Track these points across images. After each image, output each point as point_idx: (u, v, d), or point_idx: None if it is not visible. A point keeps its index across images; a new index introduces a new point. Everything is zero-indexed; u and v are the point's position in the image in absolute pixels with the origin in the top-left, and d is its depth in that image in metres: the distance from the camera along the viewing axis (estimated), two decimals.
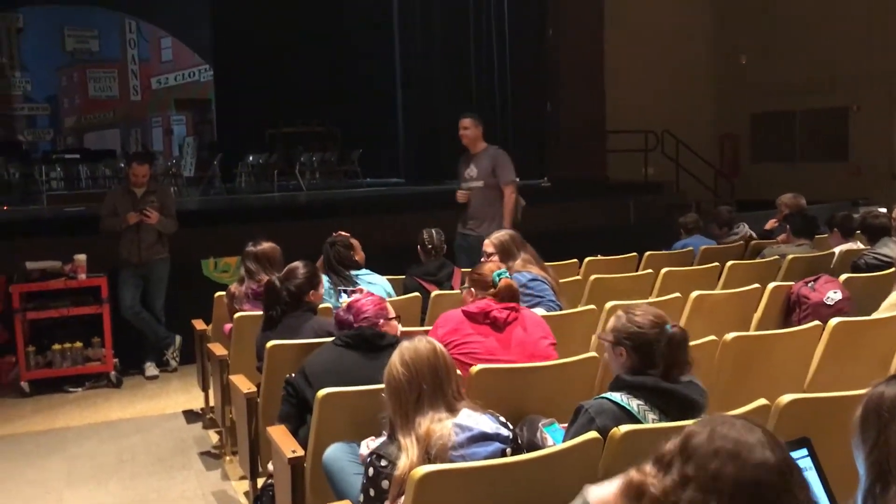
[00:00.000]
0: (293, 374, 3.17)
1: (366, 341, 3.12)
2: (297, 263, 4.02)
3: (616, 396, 2.44)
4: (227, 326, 4.54)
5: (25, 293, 6.04)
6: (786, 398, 2.47)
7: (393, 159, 14.95)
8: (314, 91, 14.89)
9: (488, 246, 4.55)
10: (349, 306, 3.32)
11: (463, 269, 5.33)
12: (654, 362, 2.44)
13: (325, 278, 4.48)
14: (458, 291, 4.80)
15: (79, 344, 6.15)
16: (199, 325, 5.34)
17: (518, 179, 6.47)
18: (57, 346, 6.10)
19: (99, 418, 5.47)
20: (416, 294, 4.80)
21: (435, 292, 4.77)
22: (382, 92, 14.96)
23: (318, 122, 14.79)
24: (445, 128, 13.69)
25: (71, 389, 6.08)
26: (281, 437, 3.02)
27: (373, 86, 14.90)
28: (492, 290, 3.47)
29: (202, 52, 17.81)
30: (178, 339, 6.46)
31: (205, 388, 5.21)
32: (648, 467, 1.38)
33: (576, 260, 6.08)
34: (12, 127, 17.41)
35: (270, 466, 3.26)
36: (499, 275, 3.52)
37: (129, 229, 6.22)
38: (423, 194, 11.91)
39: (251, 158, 13.70)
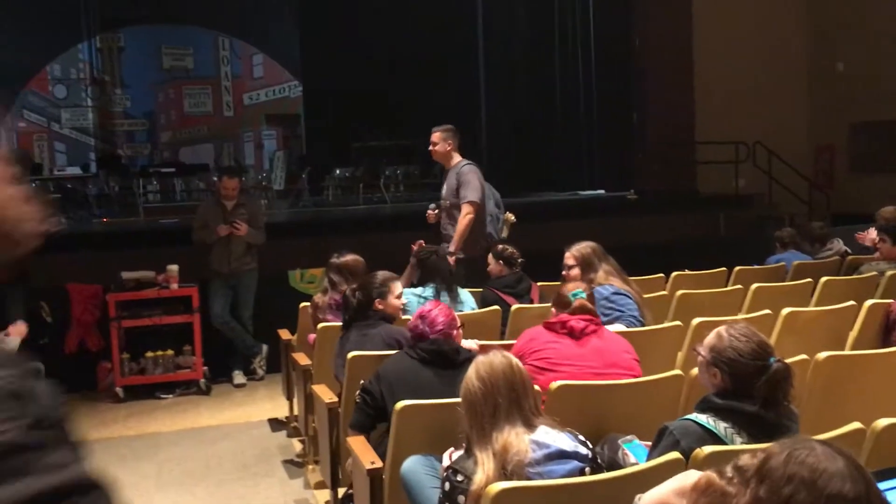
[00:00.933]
0: (370, 381, 3.18)
1: (442, 356, 3.10)
2: (375, 273, 4.08)
3: (702, 419, 2.36)
4: (311, 336, 4.62)
5: (121, 302, 6.29)
6: (882, 422, 2.35)
7: None
8: (399, 104, 15.08)
9: (569, 258, 4.46)
10: (422, 316, 3.32)
11: (539, 283, 5.30)
12: (750, 393, 2.34)
13: (421, 289, 4.54)
14: (539, 305, 4.78)
15: (170, 352, 6.36)
16: (284, 334, 5.44)
17: (478, 201, 5.75)
18: (149, 354, 6.32)
19: (188, 424, 5.63)
20: (496, 307, 4.78)
21: (515, 306, 4.74)
22: (465, 105, 15.04)
23: (403, 136, 14.96)
24: (528, 141, 13.70)
25: (162, 396, 6.28)
26: (360, 448, 3.04)
27: (456, 99, 14.99)
28: (568, 309, 3.44)
29: (292, 69, 18.27)
30: (264, 348, 6.60)
31: (289, 397, 5.31)
32: (729, 472, 1.34)
33: (662, 275, 5.95)
34: (113, 142, 18.21)
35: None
36: (574, 295, 3.49)
37: (220, 241, 6.40)
38: (505, 206, 11.88)
39: (338, 172, 13.95)
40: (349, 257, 4.73)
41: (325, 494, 4.14)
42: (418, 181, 14.51)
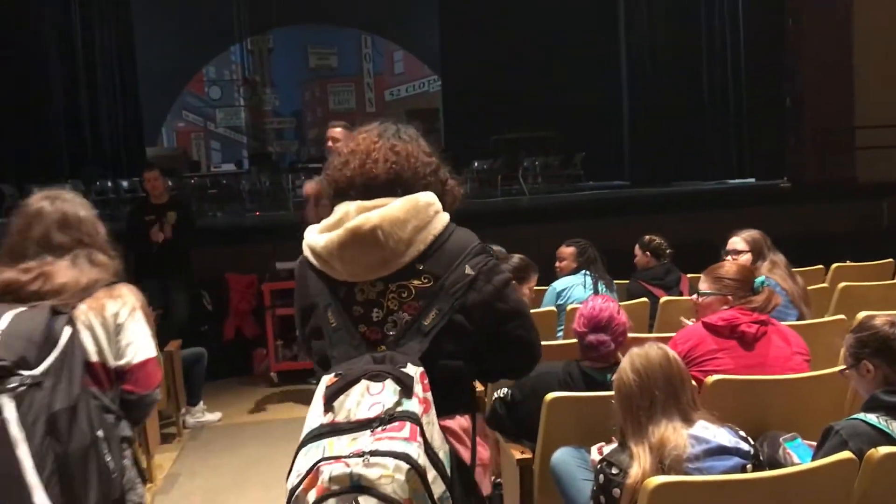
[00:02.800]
0: (516, 392, 3.01)
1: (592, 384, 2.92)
2: (512, 255, 4.10)
3: (871, 418, 2.23)
4: None
5: (275, 291, 6.58)
6: None
7: (617, 162, 14.71)
8: (537, 96, 15.01)
9: (739, 243, 4.14)
10: (605, 325, 2.97)
11: (689, 275, 5.11)
12: None
13: (577, 277, 4.53)
14: (689, 298, 4.62)
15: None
16: None
17: None
18: None
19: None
20: (644, 299, 4.68)
21: (664, 298, 4.62)
22: (607, 93, 14.79)
23: (541, 127, 14.88)
24: (673, 128, 13.31)
25: (313, 382, 6.51)
26: (509, 440, 3.05)
27: (597, 88, 14.77)
28: (750, 297, 3.06)
29: (431, 64, 18.55)
30: None
31: None
32: None
33: (821, 266, 5.63)
34: (263, 139, 19.12)
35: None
36: (762, 282, 3.12)
37: None
38: (647, 197, 11.61)
39: (476, 164, 14.04)
40: (495, 248, 4.78)
41: None
42: (557, 172, 14.41)
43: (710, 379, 2.83)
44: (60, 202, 2.19)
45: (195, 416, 5.60)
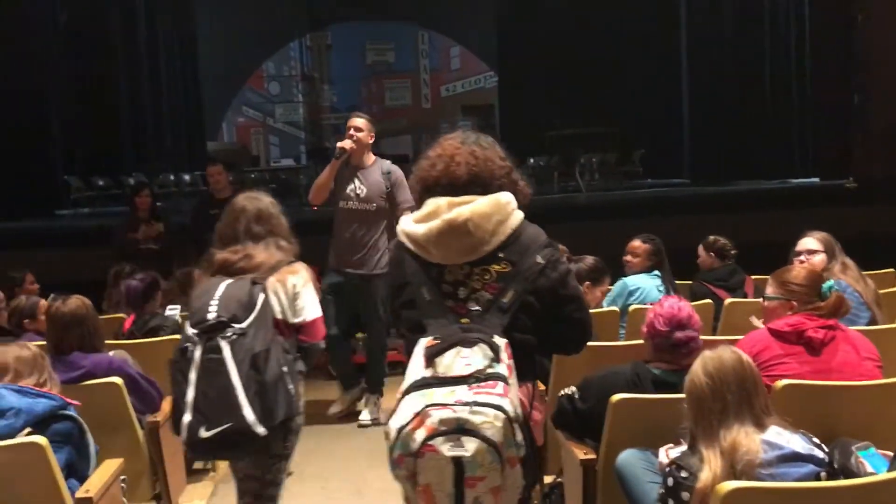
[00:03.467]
0: (582, 390, 2.99)
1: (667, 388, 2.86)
2: (585, 257, 4.08)
3: None
4: None
5: None
6: None
7: (677, 159, 14.50)
8: (595, 92, 14.88)
9: (812, 243, 4.06)
10: (684, 324, 2.92)
11: (754, 277, 5.01)
12: None
13: (649, 276, 4.49)
14: (754, 300, 4.53)
15: None
16: None
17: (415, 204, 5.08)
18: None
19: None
20: (708, 301, 4.61)
21: (728, 300, 4.54)
22: (667, 89, 14.58)
23: (599, 123, 14.76)
24: (734, 125, 13.07)
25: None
26: (572, 439, 3.04)
27: (657, 83, 14.58)
28: (817, 303, 2.99)
29: (488, 60, 18.52)
30: None
31: None
32: None
33: (891, 270, 5.48)
34: (320, 134, 19.31)
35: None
36: (830, 287, 3.04)
37: None
38: (708, 195, 11.44)
39: (532, 161, 13.99)
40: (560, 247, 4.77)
41: None
42: (615, 170, 14.27)
43: (780, 384, 2.78)
44: (257, 202, 3.01)
45: None
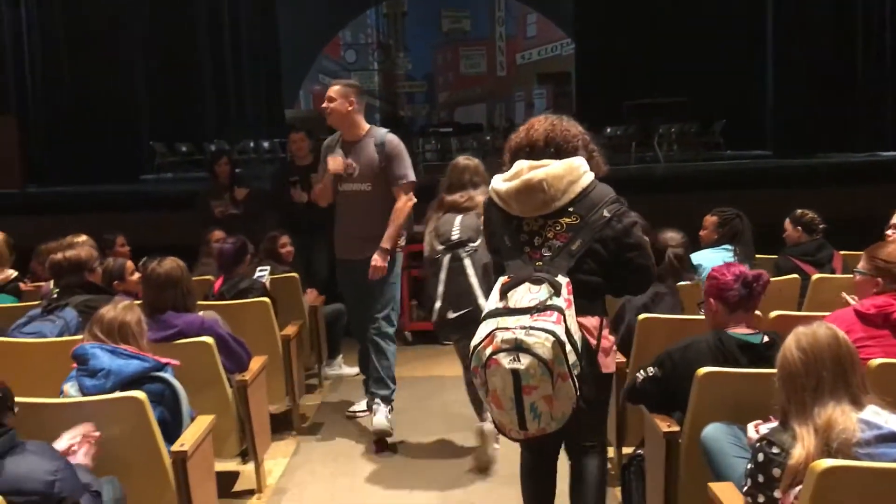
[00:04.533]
0: (666, 365, 2.95)
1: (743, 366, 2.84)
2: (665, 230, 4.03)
3: None
4: None
5: (410, 252, 6.69)
6: None
7: (759, 130, 14.08)
8: (674, 60, 14.52)
9: None
10: (743, 274, 2.95)
11: (843, 252, 4.86)
12: None
13: (717, 250, 4.42)
14: (843, 276, 4.40)
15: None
16: None
17: (415, 179, 4.51)
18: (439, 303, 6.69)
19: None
20: (794, 276, 4.49)
21: (816, 276, 4.42)
22: (750, 57, 14.13)
23: (678, 93, 14.43)
24: (821, 96, 12.60)
25: (445, 342, 6.63)
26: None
27: (739, 51, 14.14)
28: None
29: (564, 27, 18.23)
30: None
31: None
32: None
33: None
34: (395, 103, 19.38)
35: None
36: None
37: None
38: (790, 168, 11.09)
39: (609, 130, 13.78)
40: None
41: (608, 451, 4.17)
42: (694, 140, 13.95)
43: (874, 362, 2.71)
44: (473, 161, 4.10)
45: (333, 368, 5.83)
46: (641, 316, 3.60)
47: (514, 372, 2.40)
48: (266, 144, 14.88)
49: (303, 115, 17.25)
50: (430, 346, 6.53)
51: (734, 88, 13.94)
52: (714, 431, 2.64)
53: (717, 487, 2.43)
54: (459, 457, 4.28)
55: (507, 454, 3.90)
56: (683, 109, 14.07)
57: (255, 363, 3.81)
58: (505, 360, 2.41)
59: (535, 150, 2.72)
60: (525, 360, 2.39)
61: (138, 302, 3.49)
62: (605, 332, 2.71)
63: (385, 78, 19.35)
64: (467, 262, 3.79)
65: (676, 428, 2.86)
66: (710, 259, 4.41)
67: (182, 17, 14.59)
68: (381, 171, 4.38)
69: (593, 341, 2.65)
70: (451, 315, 3.74)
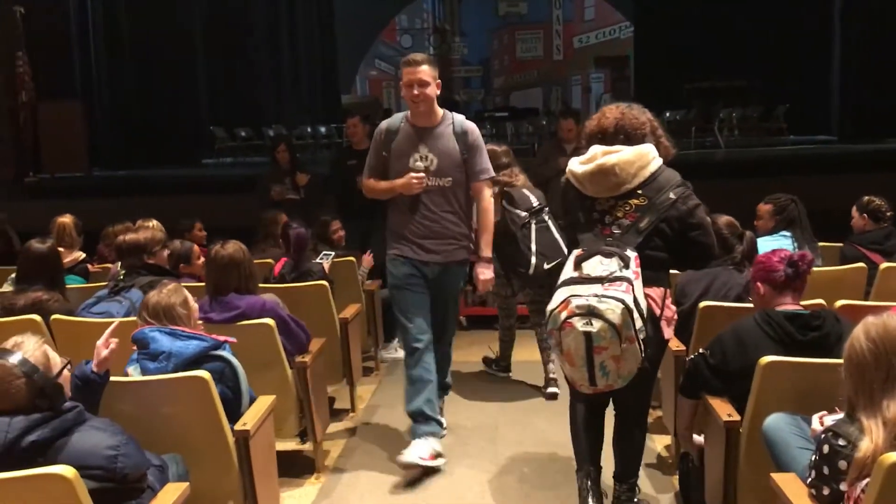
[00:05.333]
0: (713, 352, 2.99)
1: (790, 334, 2.85)
2: (720, 215, 3.95)
3: None
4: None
5: None
6: None
7: (824, 115, 13.71)
8: (736, 43, 14.20)
9: None
10: (789, 256, 3.04)
11: None
12: None
13: (775, 237, 4.34)
14: None
15: None
16: None
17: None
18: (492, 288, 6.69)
19: (528, 357, 5.90)
20: (861, 264, 4.37)
21: (884, 265, 4.30)
22: (815, 40, 13.74)
23: (740, 77, 14.10)
24: (891, 78, 12.19)
25: (496, 326, 6.63)
26: (714, 400, 2.98)
27: (804, 34, 13.75)
28: None
29: (623, 10, 17.95)
30: None
31: None
32: None
33: None
34: (450, 88, 19.33)
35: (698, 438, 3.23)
36: None
37: (559, 178, 6.53)
38: (857, 154, 10.78)
39: (668, 115, 13.57)
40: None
41: (664, 440, 4.14)
42: (757, 125, 13.64)
43: None
44: (499, 147, 4.75)
45: (389, 352, 5.88)
46: (703, 303, 3.56)
47: (587, 334, 2.70)
48: (323, 129, 15.01)
49: (359, 101, 17.35)
50: (485, 330, 6.55)
51: (798, 71, 13.59)
52: (776, 422, 2.60)
53: (779, 478, 2.39)
54: (514, 439, 4.30)
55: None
56: (745, 93, 13.76)
57: (315, 345, 3.86)
58: (579, 324, 2.72)
59: (607, 137, 3.01)
60: (597, 324, 2.69)
61: (189, 284, 3.57)
62: (668, 302, 3.01)
63: (441, 62, 19.29)
64: (551, 223, 4.43)
65: (737, 417, 2.82)
66: (769, 248, 4.32)
67: (240, 3, 14.78)
68: (461, 164, 3.89)
69: (657, 310, 2.93)
70: (546, 266, 4.28)
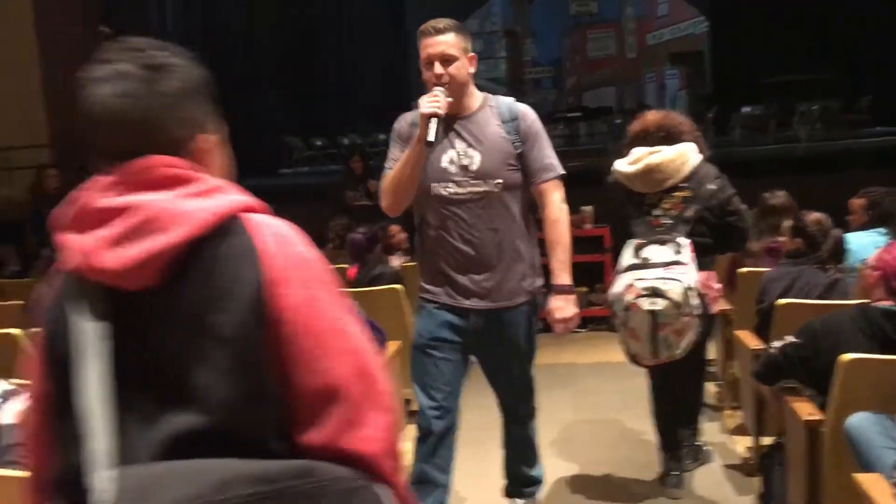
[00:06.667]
0: (802, 338, 2.91)
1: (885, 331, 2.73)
2: (809, 211, 3.86)
3: None
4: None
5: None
6: None
7: None
8: (816, 34, 13.77)
9: None
10: None
11: None
12: None
13: (866, 235, 4.20)
14: None
15: (584, 288, 6.65)
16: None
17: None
18: None
19: (601, 358, 5.86)
20: None
21: None
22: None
23: (820, 69, 13.65)
24: None
25: (576, 330, 6.59)
26: (795, 399, 2.92)
27: (884, 22, 13.24)
28: None
29: (698, 4, 17.62)
30: None
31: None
32: None
33: None
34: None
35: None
36: None
37: None
38: None
39: (746, 110, 13.24)
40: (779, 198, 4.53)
41: (745, 441, 4.06)
42: (838, 117, 13.18)
43: None
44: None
45: None
46: (781, 301, 3.49)
47: (652, 313, 3.04)
48: None
49: None
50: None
51: (881, 61, 13.08)
52: (860, 421, 2.53)
53: (863, 478, 2.32)
54: (592, 443, 4.28)
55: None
56: (825, 86, 13.32)
57: (391, 347, 3.93)
58: (645, 304, 3.05)
59: (649, 136, 3.45)
60: (661, 303, 3.04)
61: None
62: (713, 282, 3.45)
63: (511, 65, 19.31)
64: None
65: (819, 416, 2.76)
66: (861, 244, 4.19)
67: (311, 12, 15.08)
68: (515, 160, 2.84)
69: (705, 290, 3.28)
70: None
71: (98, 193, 1.14)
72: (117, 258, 1.10)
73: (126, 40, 1.21)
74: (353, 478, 1.12)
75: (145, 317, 1.13)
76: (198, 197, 1.15)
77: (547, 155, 2.90)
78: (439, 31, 2.81)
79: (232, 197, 1.20)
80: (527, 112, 2.91)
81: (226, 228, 1.15)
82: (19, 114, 10.48)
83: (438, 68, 2.80)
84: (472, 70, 2.87)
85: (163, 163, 1.15)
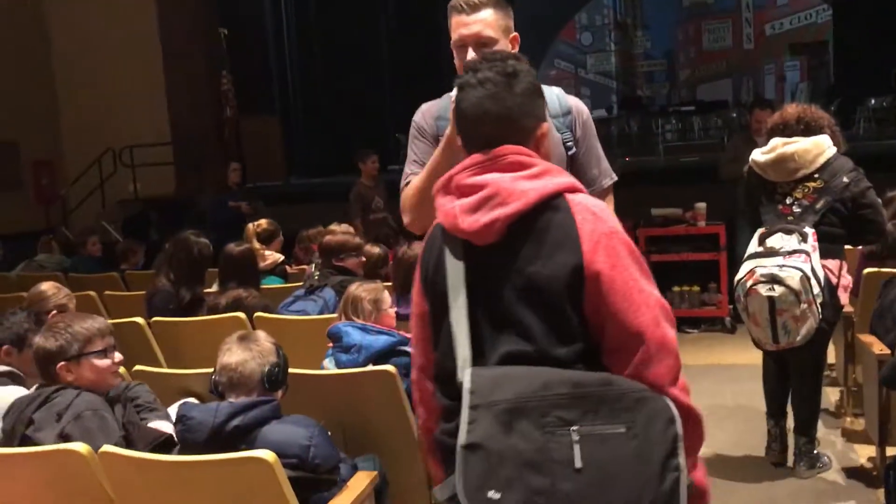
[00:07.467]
0: None
1: None
2: None
3: None
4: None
5: (651, 237, 6.56)
6: None
7: None
8: None
9: None
10: None
11: None
12: None
13: None
14: None
15: (696, 288, 6.47)
16: None
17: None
18: (676, 289, 6.51)
19: (714, 360, 5.69)
20: None
21: None
22: None
23: None
24: None
25: (688, 330, 6.43)
26: None
27: None
28: None
29: None
30: None
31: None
32: None
33: None
34: (633, 83, 18.92)
35: None
36: None
37: None
38: None
39: (873, 102, 12.54)
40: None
41: (868, 450, 3.85)
42: None
43: None
44: None
45: None
46: None
47: (770, 298, 3.25)
48: None
49: None
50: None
51: None
52: None
53: None
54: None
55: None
56: None
57: None
58: (763, 289, 3.27)
59: (788, 128, 3.57)
60: (779, 290, 3.23)
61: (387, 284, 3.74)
62: (843, 272, 3.52)
63: (622, 58, 18.93)
64: None
65: None
66: None
67: (420, 11, 15.21)
68: (565, 162, 2.29)
69: (834, 279, 3.42)
70: None
71: (466, 172, 1.59)
72: (472, 222, 1.54)
73: (486, 53, 1.77)
74: (645, 389, 1.49)
75: (489, 265, 1.55)
76: (532, 179, 1.55)
77: (604, 157, 2.45)
78: (474, 8, 2.21)
79: (557, 179, 1.58)
80: (580, 106, 2.41)
81: (551, 204, 1.54)
82: (142, 113, 11.03)
83: (472, 54, 2.18)
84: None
85: (511, 151, 1.57)
